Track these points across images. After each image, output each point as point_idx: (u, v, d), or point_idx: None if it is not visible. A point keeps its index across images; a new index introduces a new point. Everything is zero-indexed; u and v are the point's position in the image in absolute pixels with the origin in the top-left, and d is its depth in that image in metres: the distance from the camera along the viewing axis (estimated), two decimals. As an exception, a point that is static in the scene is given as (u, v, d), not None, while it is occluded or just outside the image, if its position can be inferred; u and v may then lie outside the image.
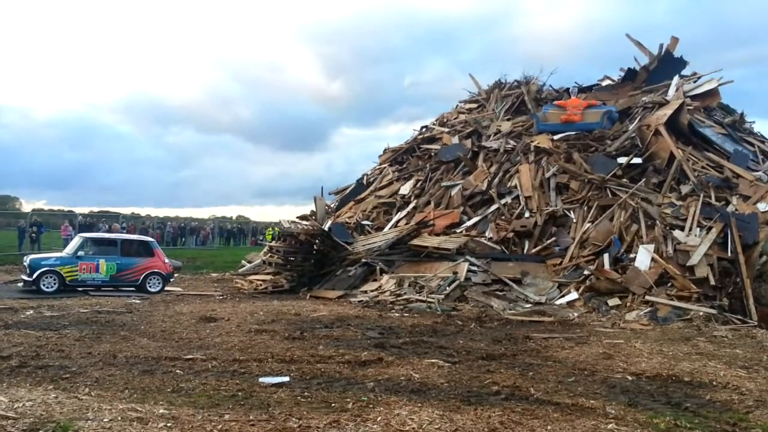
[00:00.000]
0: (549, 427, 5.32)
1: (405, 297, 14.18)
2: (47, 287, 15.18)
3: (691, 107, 18.45)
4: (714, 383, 7.32)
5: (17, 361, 7.35)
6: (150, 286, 16.17)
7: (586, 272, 14.39)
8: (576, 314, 12.80)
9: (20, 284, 16.15)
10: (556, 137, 18.86)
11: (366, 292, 15.08)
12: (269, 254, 19.46)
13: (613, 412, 5.97)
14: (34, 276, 15.20)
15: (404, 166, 22.19)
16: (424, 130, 24.03)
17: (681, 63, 20.69)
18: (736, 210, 14.72)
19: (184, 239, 43.98)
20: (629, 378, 7.56)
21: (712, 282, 12.86)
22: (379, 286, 15.18)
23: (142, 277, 16.17)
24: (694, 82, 20.29)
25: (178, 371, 7.21)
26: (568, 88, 22.03)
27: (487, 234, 16.71)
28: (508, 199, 17.64)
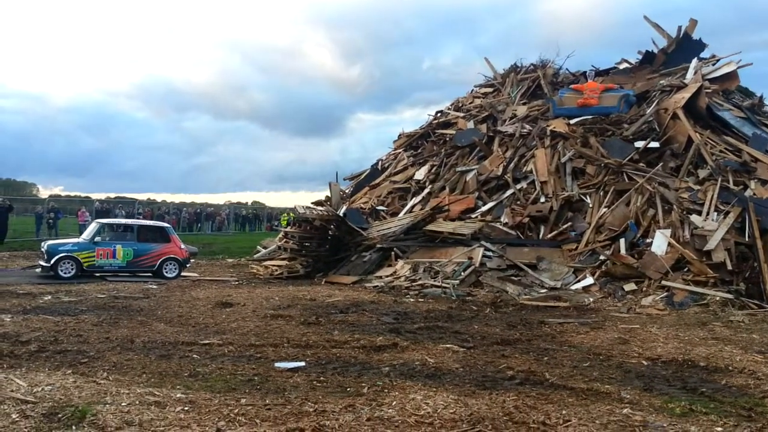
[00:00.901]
0: (564, 412, 5.31)
1: (420, 282, 14.19)
2: (65, 273, 15.34)
3: (709, 90, 18.18)
4: (730, 368, 7.27)
5: (36, 346, 7.45)
6: (166, 272, 16.29)
7: (602, 257, 14.31)
8: (591, 299, 12.75)
9: (38, 270, 16.31)
10: (572, 121, 18.69)
11: (381, 277, 15.10)
12: (284, 240, 19.52)
13: (628, 396, 5.96)
14: (52, 261, 15.35)
15: (419, 151, 22.13)
16: (439, 115, 23.91)
17: (699, 46, 20.37)
18: (755, 194, 14.55)
19: (199, 225, 44.29)
20: (645, 363, 7.53)
21: (729, 267, 12.74)
22: (394, 272, 15.20)
23: (158, 263, 16.29)
24: (713, 65, 19.99)
25: (194, 356, 7.28)
26: (584, 72, 21.76)
27: (502, 219, 16.63)
28: (523, 184, 17.54)
